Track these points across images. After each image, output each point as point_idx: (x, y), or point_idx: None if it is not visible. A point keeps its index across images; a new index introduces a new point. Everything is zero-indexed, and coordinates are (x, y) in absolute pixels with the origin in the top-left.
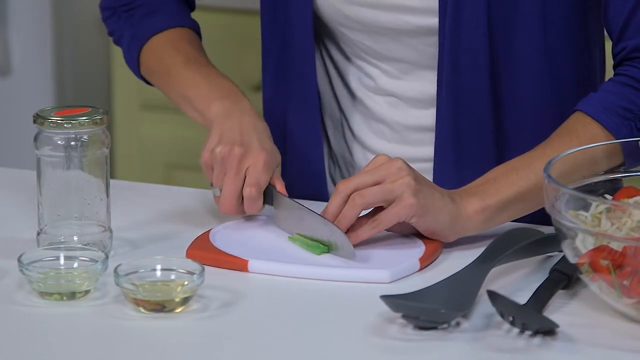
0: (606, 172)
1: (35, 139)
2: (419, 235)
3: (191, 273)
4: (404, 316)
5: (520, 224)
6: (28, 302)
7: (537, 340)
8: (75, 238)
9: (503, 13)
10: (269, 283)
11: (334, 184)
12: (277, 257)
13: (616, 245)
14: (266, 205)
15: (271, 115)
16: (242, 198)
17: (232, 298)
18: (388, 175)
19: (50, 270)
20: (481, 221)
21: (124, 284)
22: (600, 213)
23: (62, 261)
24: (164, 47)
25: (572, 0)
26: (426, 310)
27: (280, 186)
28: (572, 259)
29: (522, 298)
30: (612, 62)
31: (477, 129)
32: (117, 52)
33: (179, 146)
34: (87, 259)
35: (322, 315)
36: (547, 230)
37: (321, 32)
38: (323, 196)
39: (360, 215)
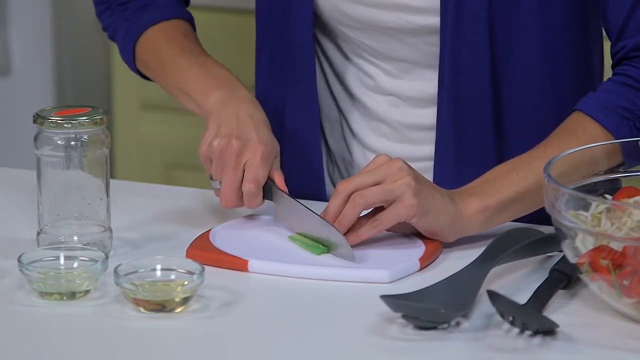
0: (606, 172)
1: (35, 139)
2: (419, 235)
3: (191, 273)
4: (404, 316)
5: (520, 224)
6: (28, 302)
7: (537, 340)
8: (75, 238)
9: (504, 11)
10: (269, 283)
11: (333, 183)
12: (277, 257)
13: (616, 245)
14: (266, 203)
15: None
16: (241, 192)
17: (232, 298)
18: (388, 175)
19: (50, 270)
20: (481, 221)
21: (124, 284)
22: (600, 213)
23: (62, 261)
24: (158, 39)
25: (572, 0)
26: (426, 310)
27: (279, 179)
28: (572, 259)
29: (522, 298)
30: (611, 62)
31: (477, 128)
32: (117, 52)
33: (178, 146)
34: (87, 259)
35: (322, 315)
36: (547, 230)
37: (318, 31)
38: (321, 196)
39: (361, 215)
